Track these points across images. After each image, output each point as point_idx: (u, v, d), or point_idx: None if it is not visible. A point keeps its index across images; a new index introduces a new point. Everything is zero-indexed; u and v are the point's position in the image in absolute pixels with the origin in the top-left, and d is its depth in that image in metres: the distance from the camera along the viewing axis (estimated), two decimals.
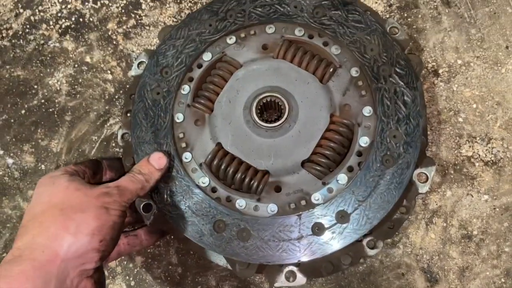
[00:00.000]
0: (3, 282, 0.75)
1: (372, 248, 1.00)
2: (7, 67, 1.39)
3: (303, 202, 1.02)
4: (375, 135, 1.03)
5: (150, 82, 1.13)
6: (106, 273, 1.19)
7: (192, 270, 1.19)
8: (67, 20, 1.40)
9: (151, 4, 1.39)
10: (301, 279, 0.99)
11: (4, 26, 1.41)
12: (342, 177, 1.02)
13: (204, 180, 1.06)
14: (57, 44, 1.39)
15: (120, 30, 1.38)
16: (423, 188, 1.03)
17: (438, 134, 1.21)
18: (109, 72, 1.36)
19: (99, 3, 1.41)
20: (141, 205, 1.04)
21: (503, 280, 1.12)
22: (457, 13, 1.29)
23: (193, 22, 1.16)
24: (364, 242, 1.00)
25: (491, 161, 1.19)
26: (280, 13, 1.14)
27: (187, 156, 1.08)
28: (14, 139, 1.33)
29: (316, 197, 1.01)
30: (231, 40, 1.14)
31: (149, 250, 1.21)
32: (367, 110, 1.05)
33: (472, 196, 1.17)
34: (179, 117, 1.11)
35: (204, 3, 1.36)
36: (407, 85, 1.05)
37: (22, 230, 0.84)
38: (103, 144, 1.30)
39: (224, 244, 1.00)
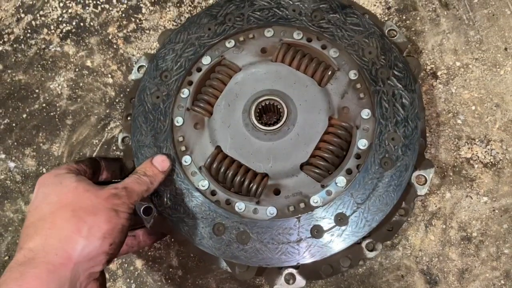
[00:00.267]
0: (17, 285, 0.75)
1: (371, 251, 1.01)
2: (9, 71, 1.40)
3: (302, 205, 1.02)
4: (374, 138, 1.03)
5: (150, 86, 1.14)
6: (107, 275, 1.20)
7: (193, 272, 1.20)
8: (68, 25, 1.41)
9: (151, 8, 1.40)
10: (300, 281, 1.00)
11: (6, 31, 1.43)
12: (341, 180, 1.02)
13: (204, 183, 1.06)
14: (58, 49, 1.40)
15: (120, 34, 1.39)
16: (422, 190, 1.03)
17: (437, 136, 1.22)
18: (109, 76, 1.37)
19: (99, 8, 1.42)
20: (142, 208, 1.04)
21: (502, 282, 1.12)
22: (455, 15, 1.29)
23: (192, 26, 1.17)
24: (363, 244, 1.01)
25: (490, 163, 1.19)
26: (279, 17, 1.14)
27: (186, 159, 1.09)
28: (15, 143, 1.34)
29: (315, 199, 1.02)
30: (230, 43, 1.15)
31: (149, 253, 1.22)
32: (366, 113, 1.06)
33: (471, 198, 1.17)
34: (178, 121, 1.12)
35: (204, 7, 1.36)
36: (405, 88, 1.05)
37: (31, 230, 0.82)
38: (104, 148, 1.31)
39: (224, 247, 1.01)
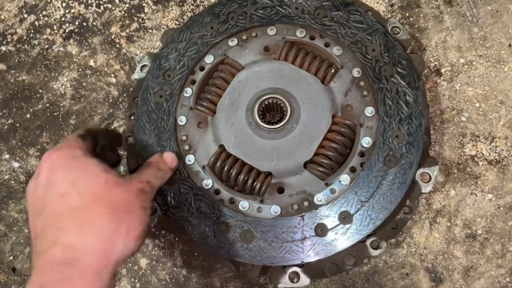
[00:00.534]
0: (62, 286, 0.73)
1: (375, 249, 1.00)
2: (12, 71, 1.40)
3: (306, 203, 1.02)
4: (378, 136, 1.03)
5: (153, 86, 1.14)
6: None
7: (197, 271, 1.20)
8: (70, 25, 1.41)
9: (154, 7, 1.40)
10: (304, 279, 1.00)
11: (9, 31, 1.43)
12: (345, 178, 1.02)
13: (207, 182, 1.06)
14: (61, 49, 1.40)
15: (123, 34, 1.39)
16: (426, 188, 1.03)
17: (441, 134, 1.21)
18: (112, 75, 1.37)
19: (102, 7, 1.42)
20: None
21: (508, 279, 1.12)
22: (459, 12, 1.28)
23: (195, 25, 1.17)
24: (368, 242, 1.00)
25: (494, 160, 1.18)
26: (281, 15, 1.14)
27: (190, 158, 1.09)
28: (19, 143, 1.34)
29: (319, 198, 1.01)
30: (233, 42, 1.15)
31: (153, 252, 1.22)
32: (369, 111, 1.05)
33: (476, 195, 1.17)
34: (182, 120, 1.12)
35: (206, 6, 1.36)
36: (409, 85, 1.05)
37: (64, 222, 0.77)
38: None
39: (228, 245, 1.00)
